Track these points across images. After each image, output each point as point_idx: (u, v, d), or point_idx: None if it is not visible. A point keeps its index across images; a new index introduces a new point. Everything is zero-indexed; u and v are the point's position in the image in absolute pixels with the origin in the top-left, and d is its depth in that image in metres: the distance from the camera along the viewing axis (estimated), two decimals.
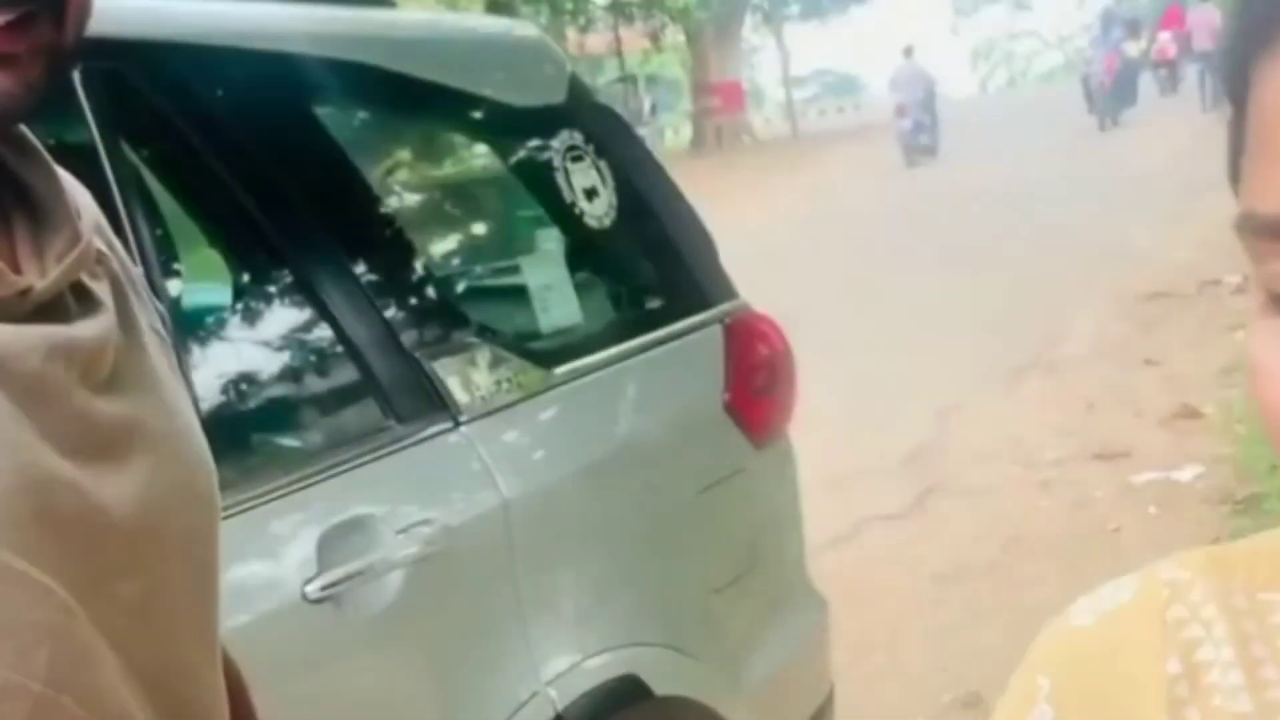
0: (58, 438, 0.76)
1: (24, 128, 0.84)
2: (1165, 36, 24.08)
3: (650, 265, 2.46)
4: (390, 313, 2.02)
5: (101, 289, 0.86)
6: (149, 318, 0.93)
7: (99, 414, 0.80)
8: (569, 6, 24.01)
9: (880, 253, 11.37)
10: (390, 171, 2.48)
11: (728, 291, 2.46)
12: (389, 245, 2.17)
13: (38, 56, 0.75)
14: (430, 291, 2.19)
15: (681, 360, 2.35)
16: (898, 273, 10.17)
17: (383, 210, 2.27)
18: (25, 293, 0.77)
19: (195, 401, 1.21)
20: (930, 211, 13.58)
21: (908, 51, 20.60)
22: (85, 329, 0.81)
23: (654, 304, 2.44)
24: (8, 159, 0.83)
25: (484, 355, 2.08)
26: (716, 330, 2.39)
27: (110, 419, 0.81)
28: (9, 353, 0.74)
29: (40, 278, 0.78)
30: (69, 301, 0.81)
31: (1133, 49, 21.75)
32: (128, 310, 0.89)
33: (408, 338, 2.01)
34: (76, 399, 0.78)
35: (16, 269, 0.79)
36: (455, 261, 2.68)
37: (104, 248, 0.90)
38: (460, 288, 2.43)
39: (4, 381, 0.73)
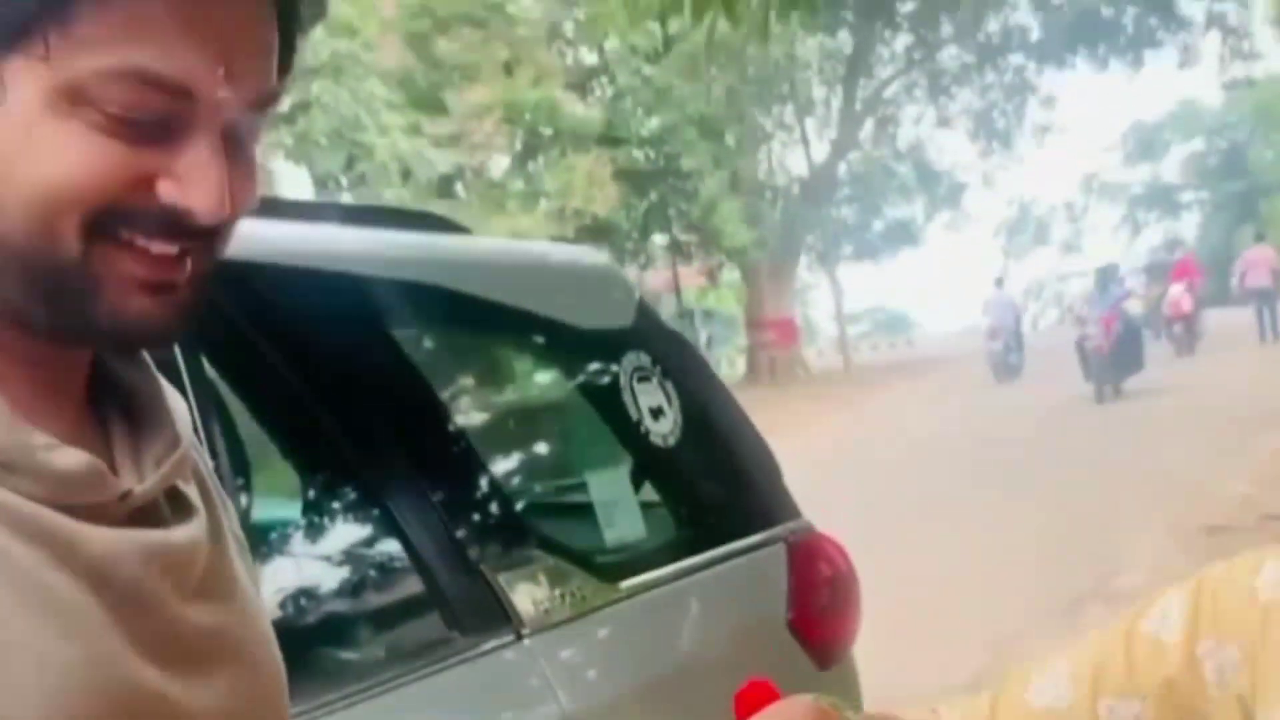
0: (149, 646, 0.75)
1: None
2: (1178, 289, 20.72)
3: (714, 483, 2.49)
4: (458, 527, 2.05)
5: (192, 493, 0.86)
6: (230, 522, 0.94)
7: (189, 623, 0.80)
8: (629, 245, 24.75)
9: (937, 478, 11.31)
10: (462, 389, 2.55)
11: (791, 511, 2.47)
12: (458, 461, 2.21)
13: (191, 283, 0.78)
14: (497, 506, 2.22)
15: (745, 578, 2.35)
16: (957, 499, 10.10)
17: (453, 427, 2.32)
18: (124, 496, 0.77)
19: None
20: (994, 437, 13.55)
21: (999, 282, 22.85)
22: (179, 534, 0.81)
23: (718, 521, 2.46)
24: (113, 363, 0.85)
25: (548, 569, 2.10)
26: (780, 549, 2.39)
27: (199, 628, 0.81)
28: (107, 557, 0.75)
29: (137, 481, 0.79)
30: (164, 506, 0.82)
31: (1136, 305, 18.80)
32: (214, 514, 0.89)
33: (474, 551, 2.03)
34: (169, 607, 0.78)
35: (113, 471, 0.79)
36: (523, 477, 2.72)
37: (193, 452, 0.90)
38: (527, 503, 2.46)
39: (100, 587, 0.74)
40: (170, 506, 0.82)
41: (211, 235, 0.77)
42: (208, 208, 0.74)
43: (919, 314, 46.18)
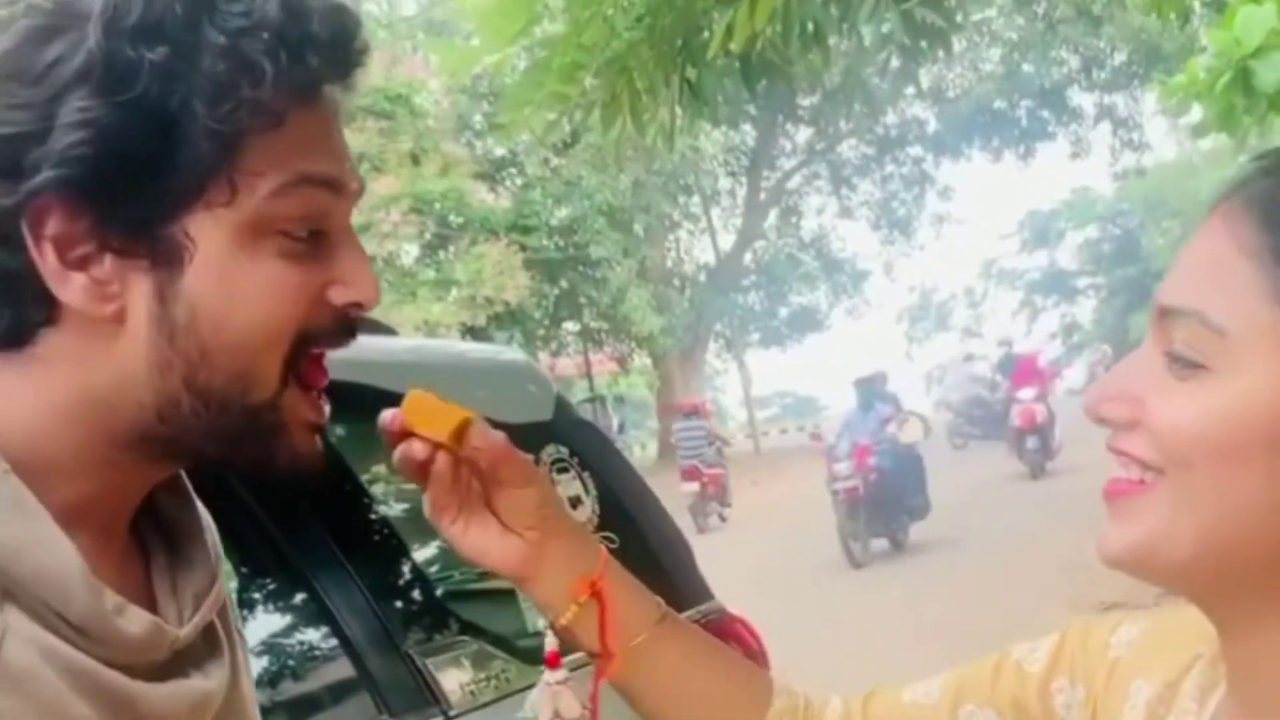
0: None
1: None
2: (1027, 395, 16.41)
3: (630, 568, 2.61)
4: (385, 613, 2.15)
5: (219, 627, 0.88)
6: (240, 626, 0.97)
7: None
8: (540, 333, 24.90)
9: (836, 557, 11.47)
10: (387, 481, 2.65)
11: (704, 593, 2.60)
12: (384, 550, 2.32)
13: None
14: (422, 593, 2.33)
15: None
16: (859, 578, 10.25)
17: (378, 517, 2.43)
18: (172, 642, 0.80)
19: None
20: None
21: (968, 358, 23.33)
22: (215, 678, 0.84)
23: None
24: (157, 493, 0.87)
25: (473, 653, 2.20)
26: None
27: None
28: (160, 713, 0.78)
29: (178, 621, 0.82)
30: (199, 643, 0.84)
31: (914, 431, 13.17)
32: (233, 647, 0.90)
33: (401, 636, 2.13)
34: None
35: (153, 604, 0.82)
36: (446, 564, 2.82)
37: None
38: (451, 589, 2.56)
39: None
40: (204, 643, 0.85)
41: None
42: (370, 296, 0.83)
43: (827, 398, 46.72)
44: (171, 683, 0.80)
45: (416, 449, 0.94)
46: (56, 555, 0.74)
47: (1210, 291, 0.74)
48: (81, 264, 0.76)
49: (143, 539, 0.87)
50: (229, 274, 0.77)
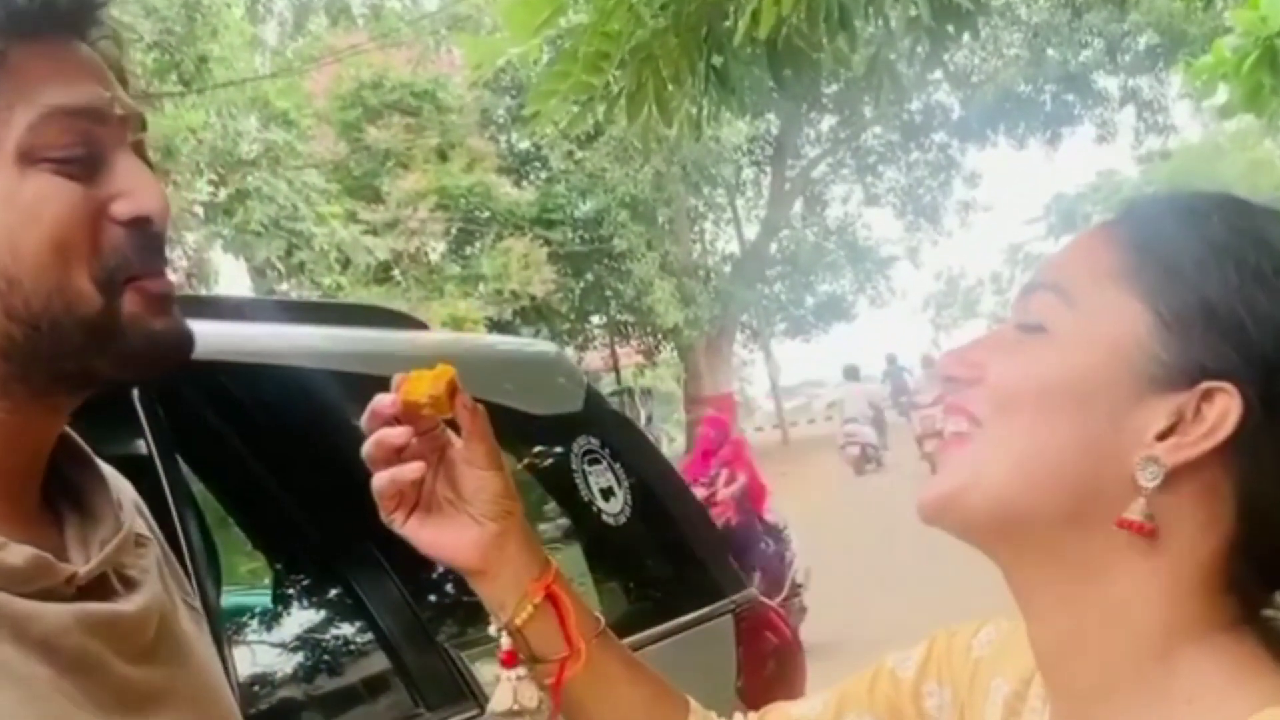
0: (97, 703, 0.85)
1: (77, 437, 0.98)
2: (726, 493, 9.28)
3: (664, 559, 2.61)
4: (421, 607, 2.15)
5: (144, 567, 0.96)
6: (183, 593, 1.03)
7: (135, 681, 0.89)
8: (566, 327, 24.91)
9: (879, 545, 11.44)
10: None
11: (737, 583, 2.60)
12: None
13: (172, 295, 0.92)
14: (456, 587, 2.33)
15: (695, 649, 2.46)
16: (882, 568, 10.22)
17: None
18: (71, 578, 0.87)
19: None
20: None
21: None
22: (127, 605, 0.90)
23: (668, 595, 2.57)
24: (64, 465, 0.96)
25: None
26: (728, 620, 2.51)
27: (146, 685, 0.89)
28: (53, 630, 0.84)
29: (84, 563, 0.89)
30: (113, 582, 0.91)
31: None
32: (166, 588, 0.99)
33: (437, 629, 2.13)
34: (115, 668, 0.87)
35: (65, 557, 0.89)
36: None
37: (146, 531, 1.01)
38: None
39: (50, 656, 0.83)
40: (121, 583, 0.92)
41: (163, 251, 0.90)
42: (149, 205, 0.87)
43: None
44: (69, 604, 0.86)
45: (396, 433, 0.98)
46: None
47: (1074, 271, 0.81)
48: None
49: (56, 506, 0.94)
50: (11, 203, 0.84)
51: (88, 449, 0.98)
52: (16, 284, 0.84)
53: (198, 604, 1.06)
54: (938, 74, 23.82)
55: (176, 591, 1.01)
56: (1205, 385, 0.75)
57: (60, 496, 0.95)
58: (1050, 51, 26.20)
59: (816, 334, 33.50)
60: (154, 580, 0.96)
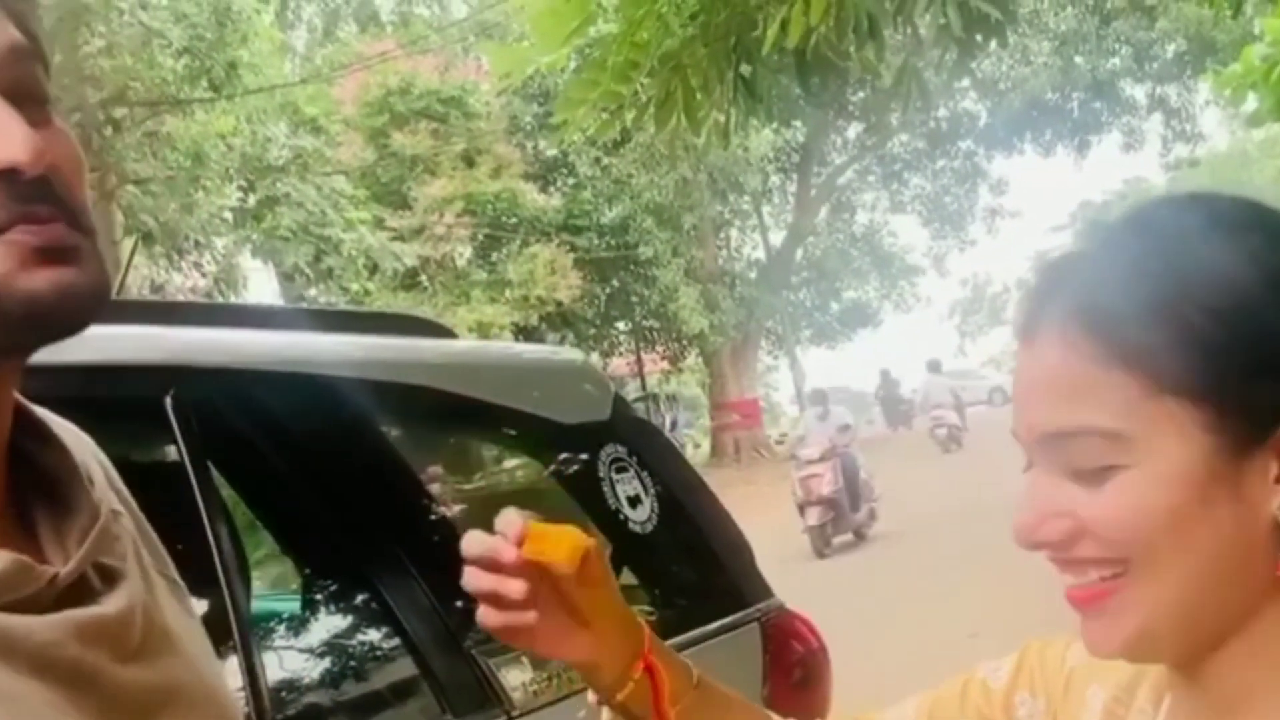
0: (95, 713, 0.79)
1: (41, 412, 0.90)
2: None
3: (690, 567, 2.61)
4: (448, 613, 2.16)
5: (121, 552, 0.89)
6: (159, 565, 0.96)
7: (131, 684, 0.83)
8: (592, 332, 24.95)
9: (907, 553, 11.40)
10: (450, 482, 2.67)
11: (763, 591, 2.60)
12: (447, 550, 2.32)
13: (93, 259, 0.81)
14: None
15: (722, 657, 2.46)
16: (930, 579, 10.19)
17: (441, 518, 2.44)
18: (51, 581, 0.80)
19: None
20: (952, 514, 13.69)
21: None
22: (111, 605, 0.84)
23: (695, 603, 2.58)
24: (28, 447, 0.87)
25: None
26: (754, 628, 2.51)
27: (141, 686, 0.84)
28: (47, 646, 0.78)
29: (63, 561, 0.82)
30: (92, 578, 0.84)
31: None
32: (143, 567, 0.91)
33: (464, 635, 2.14)
34: (109, 675, 0.81)
35: (41, 555, 0.82)
36: None
37: (118, 505, 0.93)
38: None
39: (43, 673, 0.77)
40: (99, 576, 0.85)
41: (76, 213, 0.80)
42: (26, 150, 0.76)
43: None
44: (56, 615, 0.80)
45: (515, 588, 0.96)
46: None
47: (1088, 407, 0.79)
48: None
49: (23, 495, 0.87)
50: None
51: (45, 422, 0.90)
52: None
53: (174, 574, 0.99)
54: (965, 82, 23.74)
55: (153, 567, 0.95)
56: None
57: (28, 484, 0.87)
58: (1078, 59, 26.11)
59: (842, 340, 33.46)
60: (132, 565, 0.90)
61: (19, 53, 0.80)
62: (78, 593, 0.82)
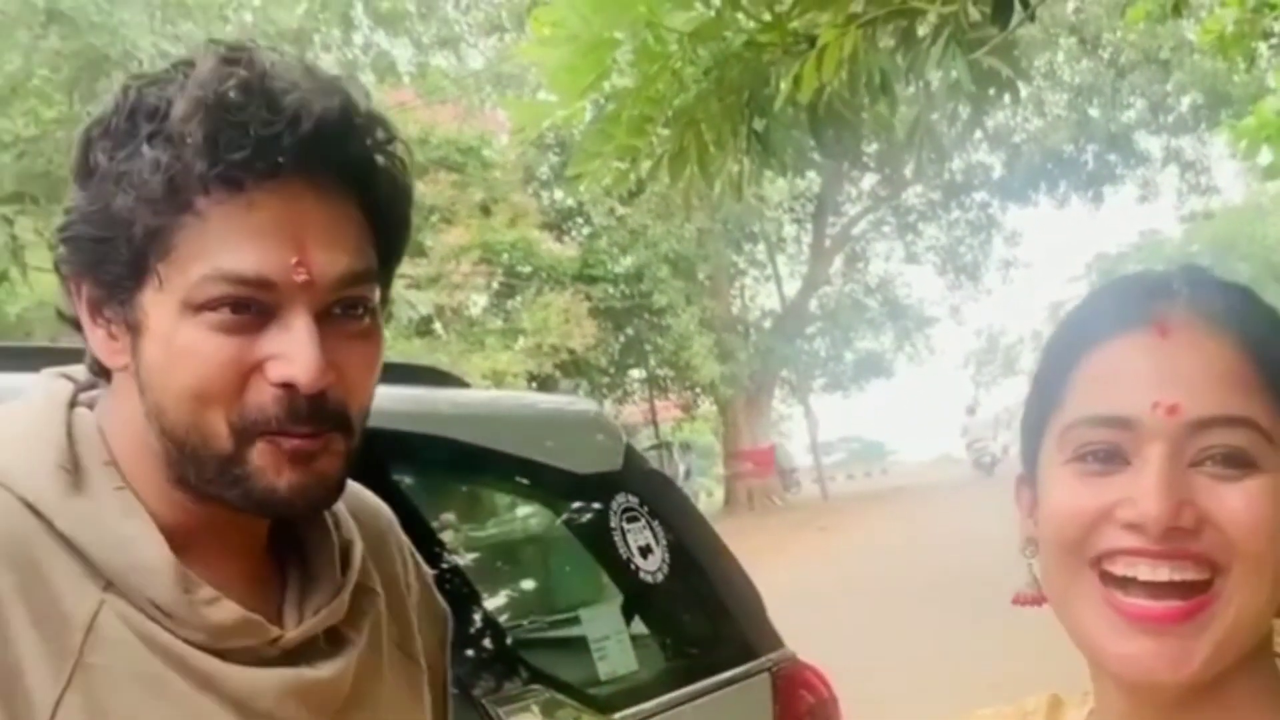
0: None
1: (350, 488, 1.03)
2: None
3: (701, 617, 2.62)
4: (459, 661, 2.16)
5: (360, 625, 1.03)
6: (400, 642, 1.11)
7: None
8: (605, 380, 24.99)
9: (915, 603, 11.34)
10: (462, 531, 2.69)
11: (774, 641, 2.60)
12: (458, 598, 2.34)
13: (333, 458, 0.95)
14: (494, 642, 2.35)
15: (732, 706, 2.46)
16: (936, 623, 10.13)
17: (449, 564, 2.45)
18: (276, 640, 0.96)
19: None
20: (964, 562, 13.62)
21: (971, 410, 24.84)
22: (325, 669, 0.98)
23: (705, 653, 2.58)
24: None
25: (544, 701, 2.22)
26: (764, 679, 2.52)
27: None
28: (249, 692, 0.93)
29: (295, 624, 0.97)
30: (320, 643, 0.99)
31: None
32: (378, 641, 1.06)
33: (475, 683, 2.15)
34: None
35: (279, 615, 0.98)
36: (519, 612, 2.84)
37: (378, 587, 1.08)
38: (523, 637, 2.58)
39: (245, 714, 0.93)
40: (328, 642, 1.00)
41: (338, 417, 0.94)
42: (306, 374, 0.90)
43: (894, 443, 46.43)
44: (268, 669, 0.95)
45: None
46: (149, 551, 0.92)
47: (1242, 399, 0.80)
48: (102, 322, 0.95)
49: (285, 563, 1.03)
50: (170, 342, 0.91)
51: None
52: (163, 412, 0.92)
53: (418, 654, 1.13)
54: (979, 134, 23.84)
55: (393, 642, 1.09)
56: None
57: (289, 552, 1.03)
58: (1093, 111, 26.22)
59: (854, 390, 33.43)
60: (364, 638, 1.03)
61: (346, 280, 0.94)
62: (300, 655, 0.97)
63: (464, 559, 2.87)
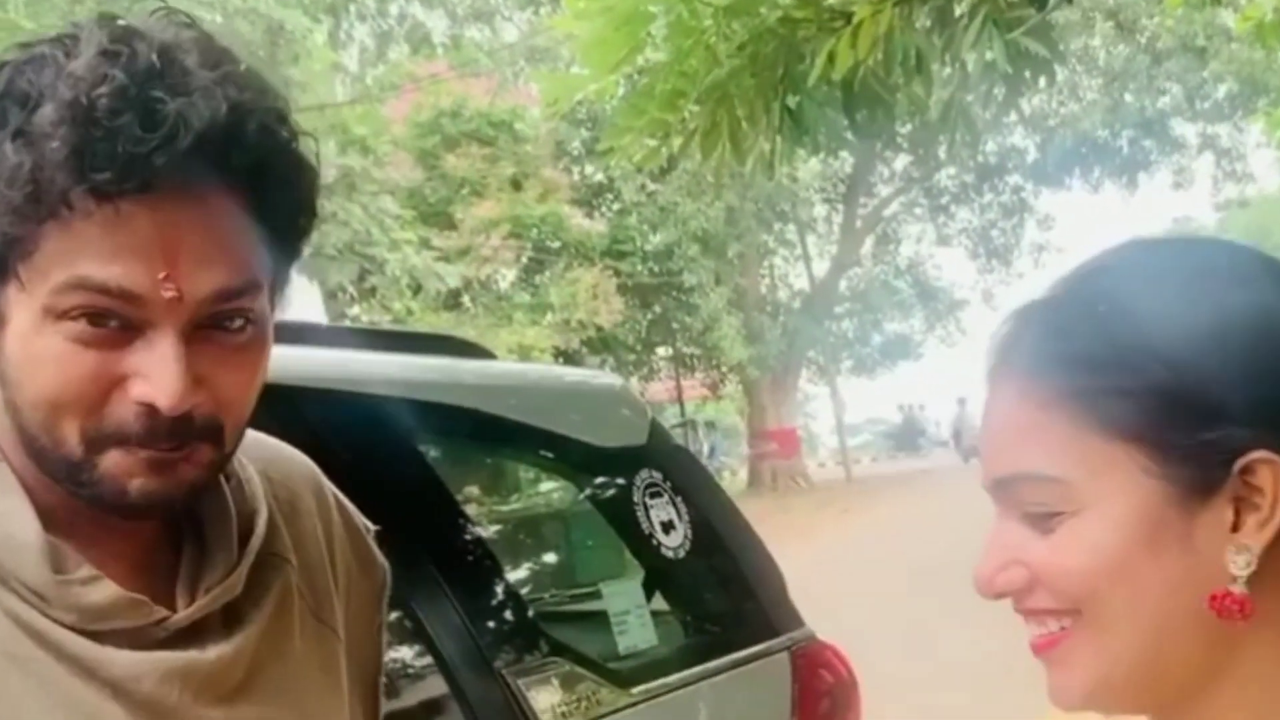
0: None
1: (270, 445, 1.02)
2: None
3: (722, 593, 2.61)
4: (480, 633, 2.17)
5: (260, 600, 0.98)
6: (316, 611, 1.04)
7: None
8: (632, 358, 24.98)
9: (939, 586, 11.32)
10: (487, 503, 2.69)
11: (795, 620, 2.59)
12: (481, 571, 2.34)
13: (196, 467, 0.91)
14: (515, 614, 2.35)
15: (751, 685, 2.46)
16: (955, 607, 10.11)
17: (473, 536, 2.46)
18: (162, 621, 0.91)
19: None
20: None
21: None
22: (213, 651, 0.93)
23: (725, 630, 2.58)
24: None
25: (564, 674, 2.22)
26: (784, 657, 2.51)
27: None
28: (126, 677, 0.88)
29: (187, 603, 0.93)
30: (215, 622, 0.94)
31: None
32: (285, 619, 1.00)
33: (495, 655, 2.15)
34: (191, 713, 0.91)
35: (171, 596, 0.93)
36: (541, 585, 2.85)
37: (290, 557, 1.02)
38: (544, 610, 2.59)
39: (120, 696, 0.88)
40: (224, 622, 0.95)
41: (206, 432, 0.89)
42: (168, 398, 0.85)
43: (921, 424, 46.22)
44: (150, 653, 0.90)
45: None
46: (18, 527, 0.90)
47: (1032, 452, 0.79)
48: None
49: (180, 536, 0.98)
50: (28, 344, 0.87)
51: (223, 482, 1.00)
52: (17, 409, 0.89)
53: (335, 620, 1.07)
54: (1013, 117, 23.64)
55: (308, 609, 1.04)
56: (1239, 463, 0.75)
57: (187, 526, 0.98)
58: (1128, 97, 25.96)
59: (881, 372, 33.33)
60: (267, 613, 0.98)
61: (221, 296, 0.88)
62: (188, 637, 0.92)
63: (487, 531, 2.88)
